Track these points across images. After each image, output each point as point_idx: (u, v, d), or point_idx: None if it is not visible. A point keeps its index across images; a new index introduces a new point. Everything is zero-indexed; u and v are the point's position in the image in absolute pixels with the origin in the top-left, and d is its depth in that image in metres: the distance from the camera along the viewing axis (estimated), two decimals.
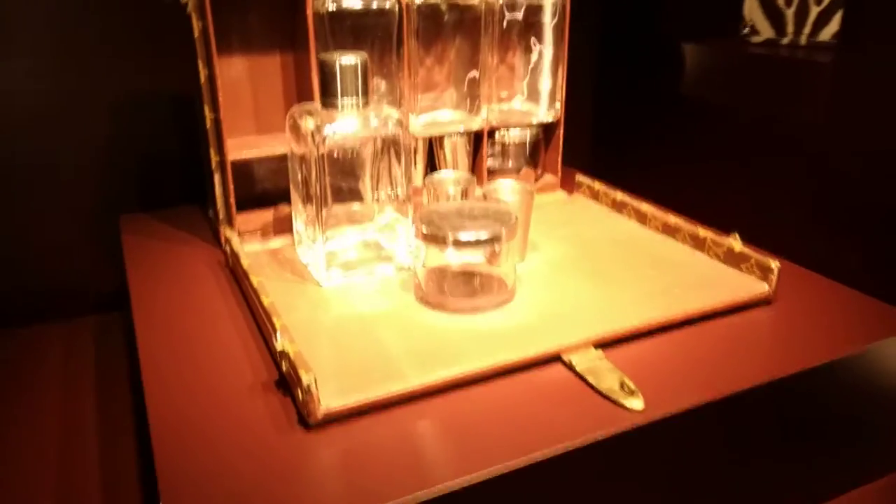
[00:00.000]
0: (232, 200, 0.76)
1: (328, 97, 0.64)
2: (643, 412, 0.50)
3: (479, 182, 0.90)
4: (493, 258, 0.65)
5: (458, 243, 0.60)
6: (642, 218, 0.81)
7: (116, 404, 0.78)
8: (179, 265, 0.76)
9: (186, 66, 0.78)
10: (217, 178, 0.76)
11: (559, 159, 0.94)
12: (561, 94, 0.90)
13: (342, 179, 0.68)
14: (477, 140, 0.90)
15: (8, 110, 0.89)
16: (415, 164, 0.90)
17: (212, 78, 0.72)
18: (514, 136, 0.92)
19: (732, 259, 0.69)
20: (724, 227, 0.74)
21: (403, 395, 0.51)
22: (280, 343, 0.52)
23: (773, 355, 0.58)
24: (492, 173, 0.93)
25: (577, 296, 0.65)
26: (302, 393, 0.48)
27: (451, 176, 0.76)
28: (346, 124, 0.65)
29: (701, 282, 0.67)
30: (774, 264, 0.65)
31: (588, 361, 0.56)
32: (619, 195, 0.85)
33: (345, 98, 0.64)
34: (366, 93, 0.65)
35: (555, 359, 0.57)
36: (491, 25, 0.84)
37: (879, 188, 0.85)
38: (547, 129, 0.94)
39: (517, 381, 0.54)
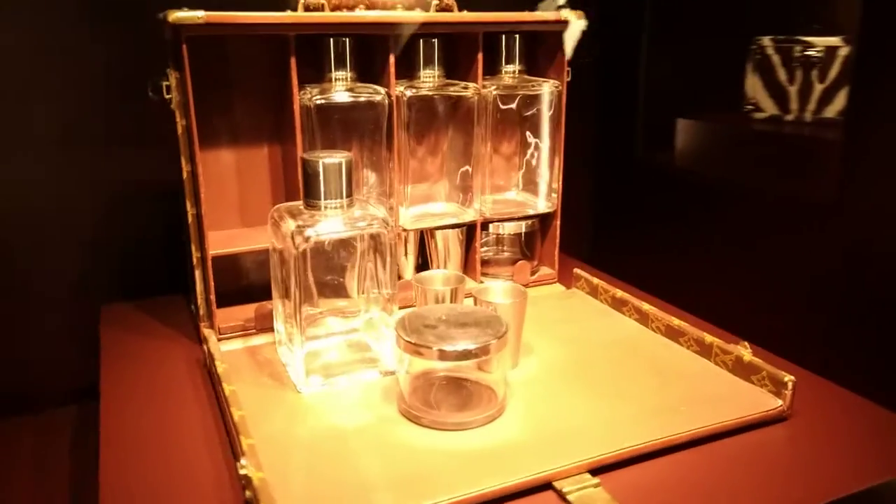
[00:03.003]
0: (212, 297, 0.73)
1: (310, 198, 0.62)
2: None
3: (473, 275, 0.87)
4: (484, 364, 0.61)
5: (443, 355, 0.56)
6: (644, 318, 0.77)
7: (89, 496, 0.73)
8: (157, 362, 0.72)
9: (174, 157, 0.76)
10: (198, 275, 0.73)
11: (556, 251, 0.91)
12: (558, 185, 0.88)
13: (325, 276, 0.65)
14: (470, 232, 0.87)
15: None
16: (406, 255, 0.87)
17: (194, 174, 0.70)
18: (509, 227, 0.89)
19: (742, 370, 0.65)
20: (731, 315, 0.70)
21: None
22: (244, 468, 0.47)
23: (791, 482, 0.53)
24: (486, 264, 0.90)
25: (573, 411, 0.60)
26: None
27: (440, 274, 0.72)
28: (328, 225, 0.62)
29: (708, 395, 0.62)
30: (788, 378, 0.60)
31: (582, 490, 0.51)
32: (619, 292, 0.81)
33: (328, 199, 0.62)
34: (350, 193, 0.63)
35: (546, 486, 0.52)
36: (484, 116, 0.83)
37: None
38: (544, 220, 0.91)
39: None
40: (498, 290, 0.69)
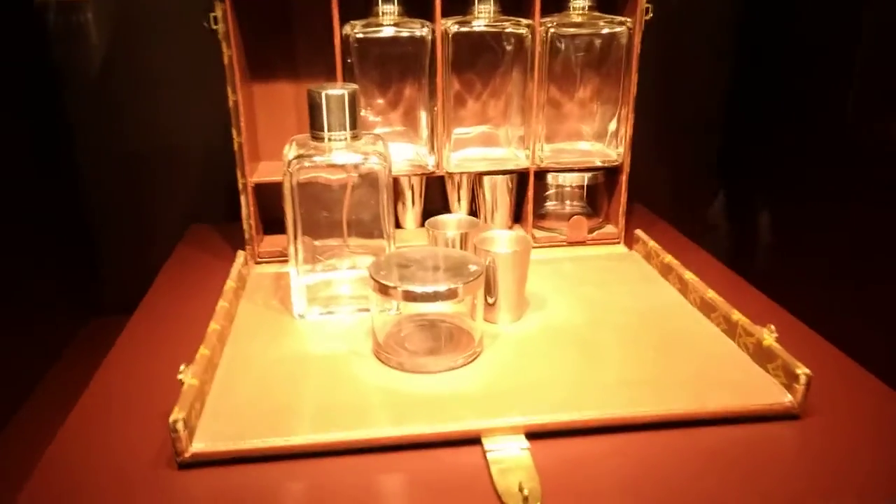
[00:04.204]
0: (252, 223, 0.78)
1: (314, 129, 0.63)
2: None
3: (526, 227, 0.83)
4: (472, 311, 0.59)
5: (407, 295, 0.55)
6: (684, 287, 0.69)
7: None
8: (202, 279, 0.78)
9: None
10: (242, 200, 0.78)
11: (621, 208, 0.83)
12: (626, 133, 0.80)
13: (325, 213, 0.66)
14: (524, 181, 0.83)
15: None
16: (459, 201, 0.85)
17: (237, 104, 0.73)
18: (569, 179, 0.84)
19: (760, 355, 0.56)
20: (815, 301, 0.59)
21: (274, 451, 0.47)
22: (181, 373, 0.51)
23: (777, 491, 0.45)
24: (543, 217, 0.85)
25: (547, 371, 0.56)
26: (170, 430, 0.46)
27: (454, 219, 0.70)
28: (330, 157, 0.63)
29: (711, 378, 0.55)
30: (802, 371, 0.51)
31: (505, 451, 0.48)
32: (668, 258, 0.73)
33: (332, 131, 0.62)
34: (354, 126, 0.63)
35: (476, 441, 0.49)
36: (541, 56, 0.77)
37: None
38: (611, 173, 0.84)
39: (420, 458, 0.48)
40: (502, 240, 0.66)
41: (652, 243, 0.77)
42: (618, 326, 0.63)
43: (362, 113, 0.81)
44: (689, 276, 0.68)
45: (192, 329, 0.61)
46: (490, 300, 0.64)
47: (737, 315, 0.60)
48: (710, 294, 0.64)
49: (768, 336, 0.56)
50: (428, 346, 0.60)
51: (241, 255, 0.75)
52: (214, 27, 0.71)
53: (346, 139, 0.63)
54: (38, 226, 0.97)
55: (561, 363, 0.57)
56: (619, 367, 0.57)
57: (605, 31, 0.78)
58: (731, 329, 0.60)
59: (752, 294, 0.72)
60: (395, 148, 0.82)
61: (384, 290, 0.56)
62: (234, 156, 0.76)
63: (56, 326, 1.01)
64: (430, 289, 0.55)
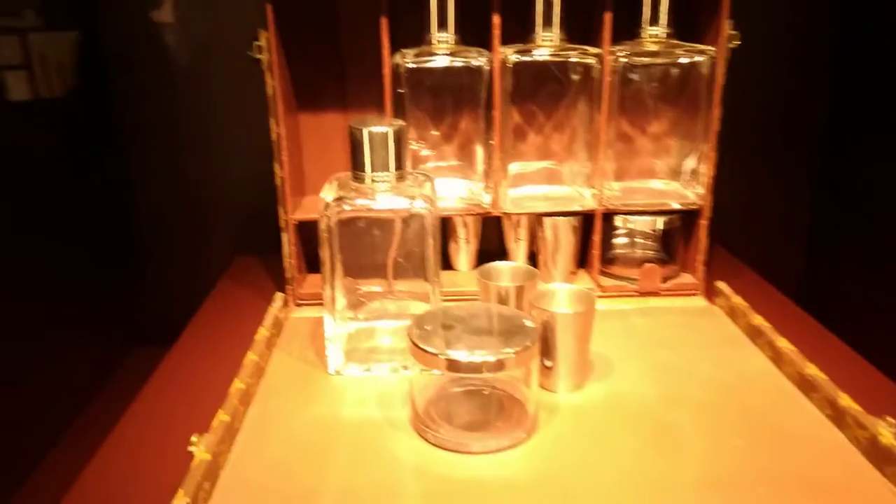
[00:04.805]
0: (293, 262, 0.72)
1: (356, 169, 0.57)
2: None
3: (591, 273, 0.75)
4: (528, 377, 0.51)
5: (450, 365, 0.48)
6: (777, 357, 0.59)
7: None
8: (240, 319, 0.73)
9: None
10: (284, 238, 0.73)
11: (700, 257, 0.74)
12: (707, 172, 0.71)
13: (366, 258, 0.60)
14: (590, 223, 0.75)
15: None
16: (517, 241, 0.78)
17: (280, 137, 0.69)
18: (641, 222, 0.75)
19: (875, 454, 0.46)
20: None
21: None
22: (193, 446, 0.45)
23: None
24: (612, 262, 0.77)
25: (614, 459, 0.48)
26: None
27: (509, 268, 0.63)
28: (372, 200, 0.57)
29: (811, 478, 0.45)
30: None
31: None
32: (758, 319, 0.63)
33: (375, 171, 0.56)
34: (399, 165, 0.57)
35: None
36: (610, 87, 0.70)
37: None
38: (689, 217, 0.75)
39: None
40: (562, 296, 0.58)
41: (736, 299, 0.68)
42: (696, 404, 0.54)
43: (413, 146, 0.75)
44: (783, 343, 0.59)
45: (220, 380, 0.55)
46: (548, 364, 0.56)
47: (845, 400, 0.50)
48: (811, 370, 0.54)
49: (886, 431, 0.46)
50: (473, 419, 0.52)
51: (279, 298, 0.70)
52: (258, 57, 0.67)
53: (390, 180, 0.57)
54: (91, 250, 0.96)
55: (628, 451, 0.49)
56: (698, 460, 0.48)
57: (684, 60, 0.70)
58: (837, 416, 0.50)
59: (864, 370, 0.61)
60: (448, 183, 0.76)
61: (423, 356, 0.49)
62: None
63: (102, 353, 0.99)
64: (476, 358, 0.47)
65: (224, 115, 0.96)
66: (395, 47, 0.70)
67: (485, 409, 0.53)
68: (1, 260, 0.79)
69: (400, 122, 0.57)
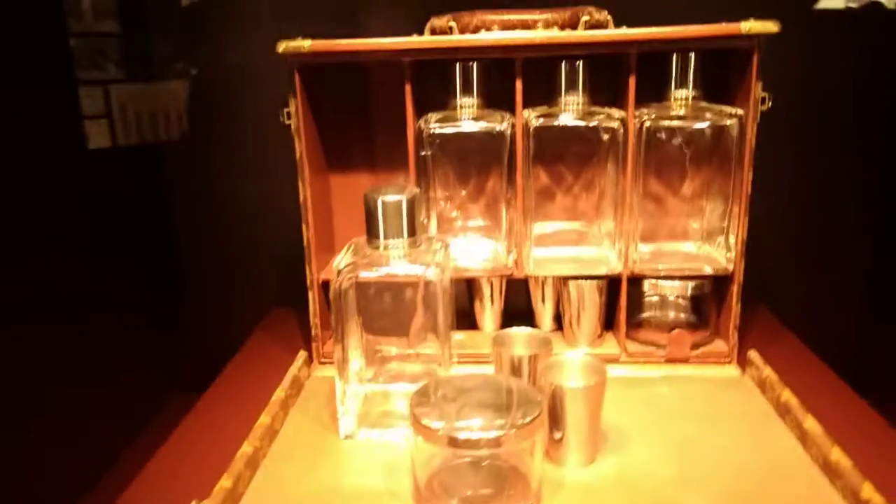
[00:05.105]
0: (317, 321, 0.74)
1: (370, 236, 0.58)
2: None
3: (618, 338, 0.74)
4: (532, 449, 0.50)
5: (451, 441, 0.48)
6: (803, 438, 0.56)
7: None
8: (271, 372, 0.74)
9: None
10: (310, 296, 0.74)
11: (732, 323, 0.71)
12: (739, 236, 0.69)
13: (384, 320, 0.60)
14: (616, 287, 0.73)
15: None
16: (543, 301, 0.77)
17: (307, 199, 0.71)
18: (669, 286, 0.73)
19: None
20: None
21: None
22: None
23: None
24: (640, 327, 0.75)
25: None
26: None
27: (524, 334, 0.62)
28: (382, 267, 0.58)
29: None
30: None
31: None
32: (786, 394, 0.60)
33: (388, 238, 0.57)
34: (413, 232, 0.57)
35: None
36: (634, 149, 0.69)
37: None
38: (721, 282, 0.73)
39: None
40: (572, 368, 0.57)
41: (767, 371, 0.65)
42: (716, 489, 0.52)
43: (442, 205, 0.76)
44: (809, 423, 0.55)
45: (232, 441, 0.56)
46: (557, 436, 0.55)
47: (867, 490, 0.47)
48: (836, 454, 0.51)
49: None
50: (474, 494, 0.51)
51: (300, 357, 0.71)
52: (288, 122, 0.69)
53: (402, 247, 0.57)
54: (134, 295, 1.01)
55: None
56: None
57: (711, 124, 0.69)
58: None
59: None
60: (474, 244, 0.77)
61: (423, 430, 0.49)
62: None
63: (141, 399, 1.03)
64: (474, 435, 0.47)
65: (264, 172, 1.00)
66: (422, 110, 0.72)
67: (488, 482, 0.52)
68: (73, 303, 0.84)
69: (414, 190, 0.58)
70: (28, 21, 0.91)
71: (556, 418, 0.54)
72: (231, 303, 1.07)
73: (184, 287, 1.08)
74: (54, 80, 0.96)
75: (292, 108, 0.69)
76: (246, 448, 0.54)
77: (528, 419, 0.48)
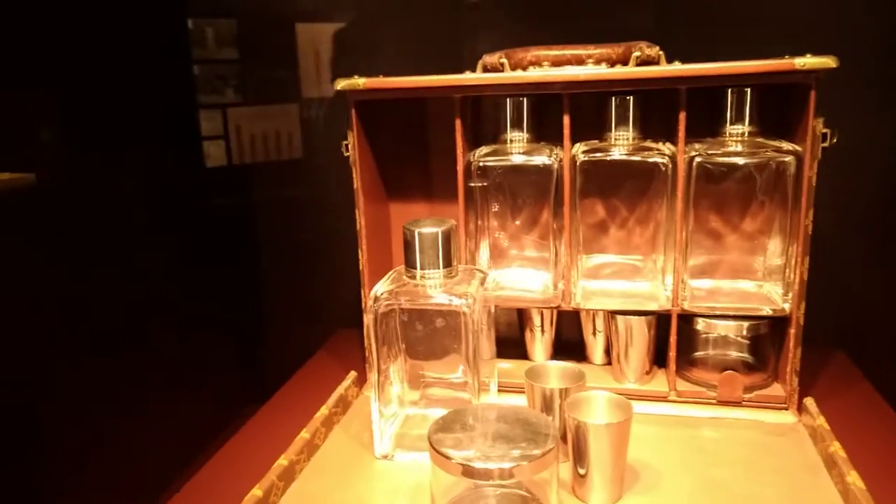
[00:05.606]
0: (373, 344, 0.77)
1: (408, 266, 0.61)
2: None
3: (669, 377, 0.72)
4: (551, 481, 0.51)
5: (468, 471, 0.49)
6: (846, 493, 0.53)
7: None
8: (327, 391, 0.78)
9: None
10: (365, 319, 0.77)
11: (790, 367, 0.68)
12: (797, 277, 0.66)
13: (427, 346, 0.63)
14: (666, 323, 0.72)
15: None
16: (594, 334, 0.77)
17: (362, 227, 0.74)
18: (723, 326, 0.71)
19: None
20: None
21: None
22: None
23: None
24: (693, 366, 0.73)
25: None
26: None
27: (558, 368, 0.62)
28: (418, 297, 0.60)
29: None
30: None
31: None
32: (834, 446, 0.57)
33: (424, 269, 0.60)
34: (448, 263, 0.60)
35: None
36: (688, 187, 0.68)
37: None
38: (779, 323, 0.70)
39: None
40: (599, 404, 0.56)
41: (820, 420, 0.62)
42: None
43: (497, 235, 0.78)
44: (852, 478, 0.52)
45: (277, 451, 0.60)
46: (581, 471, 0.55)
47: None
48: None
49: None
50: None
51: (350, 377, 0.75)
52: (347, 154, 0.74)
53: (438, 277, 0.60)
54: (223, 307, 1.09)
55: None
56: None
57: (763, 161, 0.67)
58: None
59: None
60: (526, 274, 0.78)
61: (438, 458, 0.50)
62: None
63: (220, 408, 1.10)
64: (488, 465, 0.48)
65: (342, 196, 1.05)
66: (478, 142, 0.75)
67: None
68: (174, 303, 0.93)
69: (451, 222, 0.60)
70: (158, 49, 1.02)
71: (580, 454, 0.54)
72: (307, 320, 1.13)
73: (264, 302, 1.15)
74: (179, 103, 1.08)
75: (350, 142, 0.73)
76: (282, 461, 0.58)
77: (540, 452, 0.48)
